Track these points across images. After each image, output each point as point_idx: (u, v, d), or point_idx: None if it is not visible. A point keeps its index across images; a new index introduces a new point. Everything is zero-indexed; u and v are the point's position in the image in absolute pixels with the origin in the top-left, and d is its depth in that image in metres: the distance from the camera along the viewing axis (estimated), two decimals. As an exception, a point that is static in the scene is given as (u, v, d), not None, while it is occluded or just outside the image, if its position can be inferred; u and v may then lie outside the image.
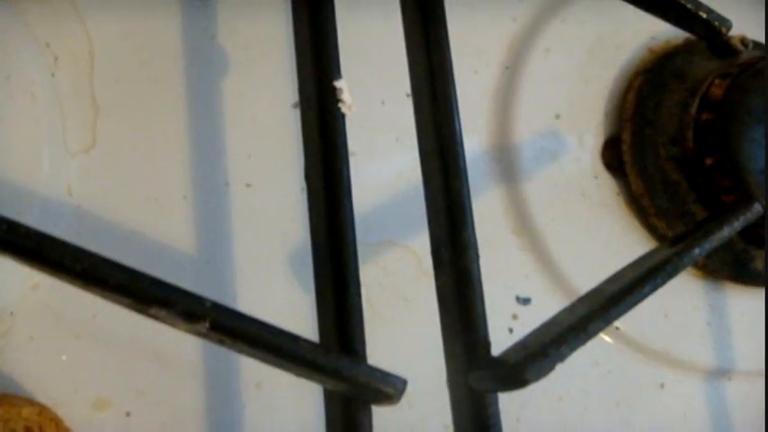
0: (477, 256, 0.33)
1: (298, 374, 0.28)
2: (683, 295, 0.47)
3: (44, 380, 0.33)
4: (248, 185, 0.38)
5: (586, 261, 0.45)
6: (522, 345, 0.33)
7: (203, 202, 0.37)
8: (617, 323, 0.45)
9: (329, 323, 0.30)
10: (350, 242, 0.31)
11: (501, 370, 0.31)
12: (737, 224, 0.37)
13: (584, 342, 0.32)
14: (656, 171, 0.46)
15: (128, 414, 0.34)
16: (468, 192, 0.34)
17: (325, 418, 0.31)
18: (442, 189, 0.34)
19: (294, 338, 0.27)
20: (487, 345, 0.32)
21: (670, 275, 0.35)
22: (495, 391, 0.32)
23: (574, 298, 0.35)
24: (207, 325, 0.26)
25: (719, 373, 0.47)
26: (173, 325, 0.26)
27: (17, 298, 0.33)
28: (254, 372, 0.37)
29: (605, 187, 0.46)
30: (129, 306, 0.26)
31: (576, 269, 0.44)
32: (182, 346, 0.36)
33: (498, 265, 0.43)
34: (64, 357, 0.33)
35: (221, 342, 0.27)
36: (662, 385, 0.46)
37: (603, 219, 0.46)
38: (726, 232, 0.37)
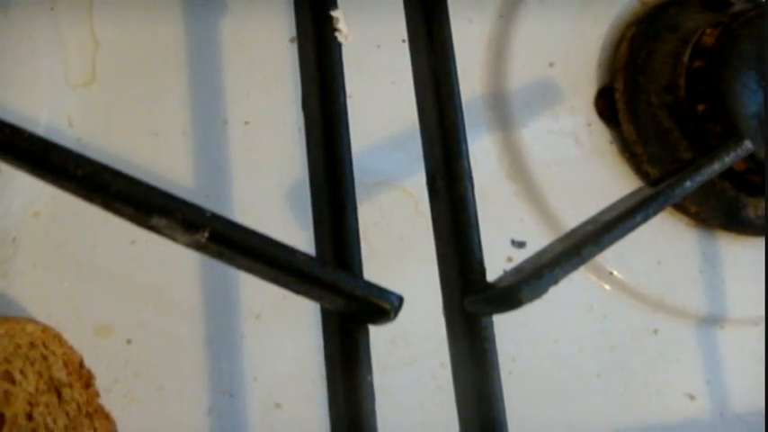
0: (472, 184, 0.34)
1: (295, 290, 0.29)
2: (675, 243, 0.48)
3: (47, 305, 0.33)
4: (247, 123, 0.39)
5: (580, 206, 0.45)
6: (516, 270, 0.33)
7: (202, 138, 0.38)
8: (611, 268, 0.46)
9: (326, 242, 0.31)
10: (346, 166, 0.32)
11: (495, 292, 0.32)
12: (728, 159, 0.38)
13: (577, 266, 0.33)
14: (648, 119, 0.46)
15: (128, 341, 0.35)
16: (463, 122, 0.34)
17: (323, 340, 0.31)
18: (437, 120, 0.35)
19: (291, 251, 0.28)
20: (482, 270, 0.33)
21: (661, 206, 0.36)
22: (490, 313, 0.32)
23: (568, 241, 0.35)
24: (206, 235, 0.26)
25: (712, 321, 0.48)
26: (172, 236, 0.27)
27: (19, 224, 0.34)
28: (253, 304, 0.37)
29: (598, 135, 0.47)
30: (129, 216, 0.26)
31: (570, 214, 0.45)
32: (183, 277, 0.36)
33: (493, 209, 0.44)
34: (66, 284, 0.34)
35: (220, 255, 0.27)
36: (655, 331, 0.47)
37: (597, 165, 0.46)
38: (716, 167, 0.37)
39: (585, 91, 0.47)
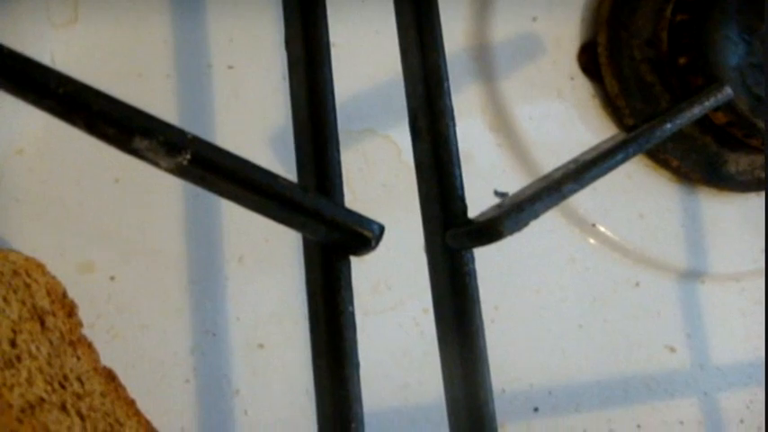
0: (454, 122, 0.34)
1: (276, 217, 0.29)
2: (657, 197, 0.48)
3: (30, 241, 0.33)
4: (230, 67, 0.39)
5: (563, 159, 0.45)
6: (497, 205, 0.33)
7: (186, 82, 0.38)
8: (593, 220, 0.46)
9: (308, 174, 0.31)
10: (329, 100, 0.32)
11: (476, 225, 0.32)
12: (708, 104, 0.38)
13: (557, 201, 0.33)
14: (631, 73, 0.46)
15: (112, 278, 0.35)
16: (445, 61, 0.34)
17: (305, 272, 0.31)
18: (419, 59, 0.35)
19: (273, 176, 0.28)
20: (464, 206, 0.33)
21: (642, 147, 0.36)
22: (471, 246, 0.32)
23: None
24: (188, 157, 0.26)
25: (693, 275, 0.48)
26: (154, 160, 0.27)
27: (3, 160, 0.34)
28: (236, 246, 0.37)
29: (581, 89, 0.47)
30: (111, 138, 0.26)
31: (553, 166, 0.45)
32: (166, 218, 0.36)
33: (476, 160, 0.44)
34: (49, 220, 0.34)
35: (202, 179, 0.28)
36: (637, 284, 0.47)
37: (579, 119, 0.47)
38: (696, 111, 0.38)
39: (568, 45, 0.48)
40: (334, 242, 0.30)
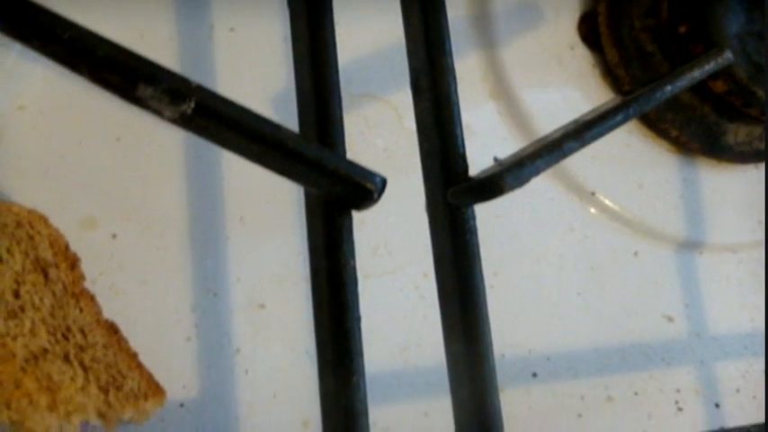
0: (455, 81, 0.34)
1: (278, 168, 0.29)
2: (656, 168, 0.49)
3: (32, 197, 0.33)
4: (232, 30, 0.39)
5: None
6: (498, 164, 0.34)
7: (188, 44, 0.38)
8: (593, 189, 0.46)
9: (310, 128, 0.31)
10: (332, 61, 0.32)
11: (478, 180, 0.32)
12: (708, 68, 0.38)
13: (558, 159, 0.33)
14: (630, 42, 0.47)
15: (114, 236, 0.35)
16: (447, 21, 0.35)
17: (306, 228, 0.31)
18: (421, 21, 0.35)
19: (277, 126, 0.28)
20: (465, 164, 0.33)
21: (642, 108, 0.36)
22: (473, 203, 0.33)
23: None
24: (192, 105, 0.27)
25: (691, 246, 0.48)
26: (158, 110, 0.27)
27: (4, 117, 0.34)
28: (237, 206, 0.37)
29: (581, 58, 0.47)
30: (115, 86, 0.26)
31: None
32: (168, 177, 0.36)
33: (476, 127, 0.44)
34: (51, 177, 0.34)
35: (205, 129, 0.28)
36: (636, 253, 0.47)
37: (579, 87, 0.47)
38: (696, 74, 0.38)
39: (569, 15, 0.48)
40: (336, 195, 0.30)
